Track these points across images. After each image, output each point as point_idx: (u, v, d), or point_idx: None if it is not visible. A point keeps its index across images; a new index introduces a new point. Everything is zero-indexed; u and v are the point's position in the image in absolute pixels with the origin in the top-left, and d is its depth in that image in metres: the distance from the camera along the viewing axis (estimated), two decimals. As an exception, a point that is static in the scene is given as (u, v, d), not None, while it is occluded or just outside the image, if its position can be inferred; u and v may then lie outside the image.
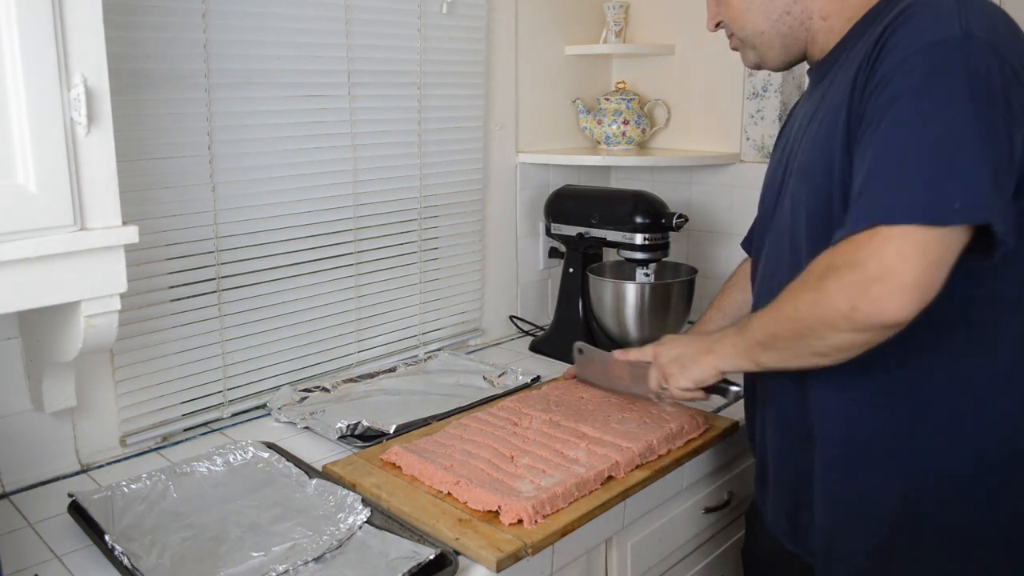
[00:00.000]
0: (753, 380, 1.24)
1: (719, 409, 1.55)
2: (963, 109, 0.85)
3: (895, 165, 0.87)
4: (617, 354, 1.35)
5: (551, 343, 1.95)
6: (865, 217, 0.88)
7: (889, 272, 0.85)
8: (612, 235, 1.83)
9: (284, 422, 1.52)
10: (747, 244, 1.40)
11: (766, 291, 1.14)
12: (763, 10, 1.11)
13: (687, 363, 1.19)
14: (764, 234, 1.20)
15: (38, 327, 1.20)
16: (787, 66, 1.18)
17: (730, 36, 1.19)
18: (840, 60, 1.06)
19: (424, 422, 1.47)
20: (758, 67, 1.20)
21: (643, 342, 1.80)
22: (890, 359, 0.97)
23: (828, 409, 1.07)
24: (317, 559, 1.05)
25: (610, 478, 1.26)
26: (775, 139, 1.29)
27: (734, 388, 1.21)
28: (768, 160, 1.31)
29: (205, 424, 1.52)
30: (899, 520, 1.03)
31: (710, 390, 1.21)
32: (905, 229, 0.84)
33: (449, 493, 1.19)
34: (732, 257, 2.00)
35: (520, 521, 1.12)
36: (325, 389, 1.63)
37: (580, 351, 1.42)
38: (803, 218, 1.06)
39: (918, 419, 1.00)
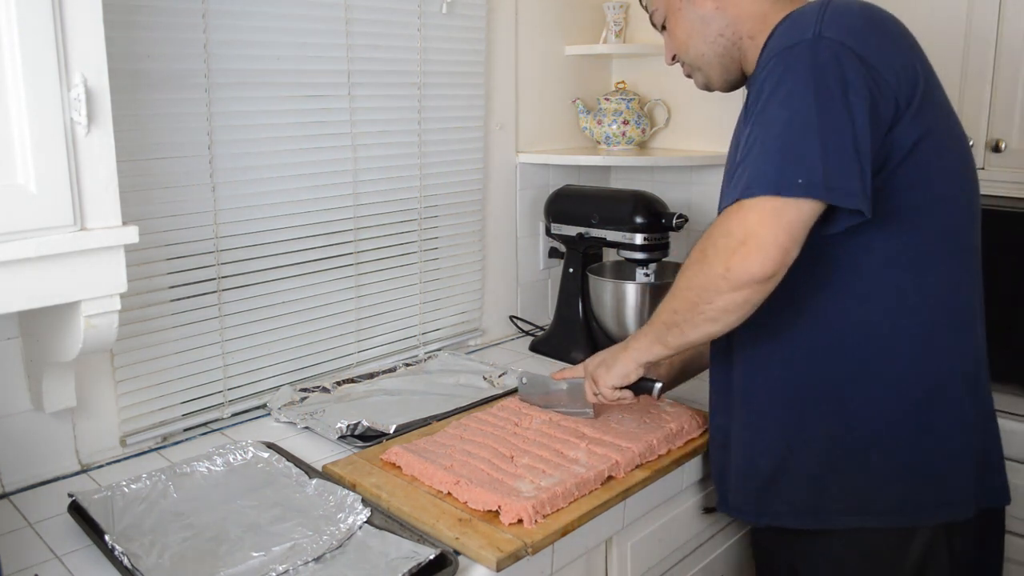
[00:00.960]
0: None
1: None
2: (807, 100, 1.00)
3: (756, 151, 1.03)
4: (554, 374, 1.46)
5: (551, 343, 1.95)
6: (733, 195, 1.03)
7: (752, 235, 1.00)
8: (612, 235, 1.83)
9: (284, 422, 1.52)
10: None
11: None
12: (701, 35, 1.24)
13: (610, 363, 1.29)
14: None
15: (38, 327, 1.20)
16: (730, 85, 1.29)
17: (683, 65, 1.32)
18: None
19: (424, 422, 1.47)
20: (708, 88, 1.32)
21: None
22: (788, 315, 1.13)
23: (750, 368, 1.21)
24: (317, 559, 1.05)
25: (610, 478, 1.26)
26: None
27: (657, 384, 1.32)
28: None
29: (205, 424, 1.52)
30: (828, 455, 1.15)
31: (637, 389, 1.31)
32: (761, 200, 1.00)
33: (449, 493, 1.19)
34: (732, 257, 2.00)
35: (520, 521, 1.12)
36: (325, 389, 1.62)
37: (523, 381, 1.50)
38: None
39: (827, 364, 1.14)
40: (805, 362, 1.15)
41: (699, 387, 1.64)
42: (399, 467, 1.28)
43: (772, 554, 1.30)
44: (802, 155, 0.99)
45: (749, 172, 1.02)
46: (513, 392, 1.62)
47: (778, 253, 1.00)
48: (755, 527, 1.31)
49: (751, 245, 1.00)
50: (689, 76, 1.33)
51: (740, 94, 2.02)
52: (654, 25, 1.33)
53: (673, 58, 1.32)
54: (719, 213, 1.14)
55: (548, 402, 1.46)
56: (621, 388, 1.30)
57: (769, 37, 1.13)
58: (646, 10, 1.35)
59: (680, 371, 1.50)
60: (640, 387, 1.31)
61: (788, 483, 1.19)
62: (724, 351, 1.27)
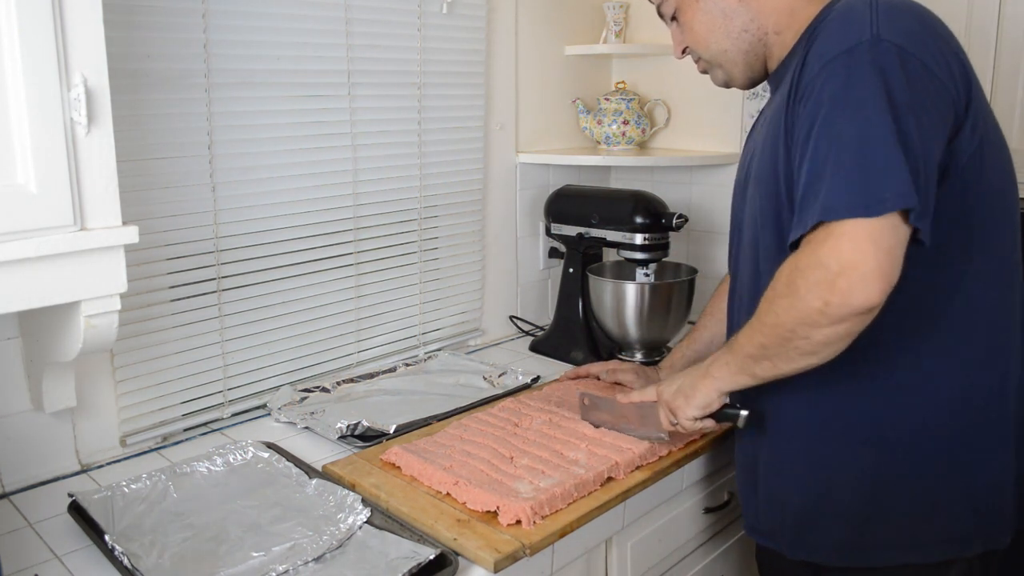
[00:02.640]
0: None
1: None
2: (879, 108, 0.93)
3: (832, 171, 0.95)
4: (620, 397, 1.36)
5: (551, 343, 1.95)
6: (811, 218, 0.95)
7: (850, 265, 0.92)
8: (612, 235, 1.83)
9: (284, 422, 1.52)
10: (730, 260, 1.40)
11: (736, 289, 1.26)
12: (724, 30, 1.18)
13: (689, 393, 1.20)
14: (737, 238, 1.26)
15: (38, 327, 1.20)
16: (753, 82, 1.24)
17: (697, 60, 1.26)
18: (788, 69, 1.12)
19: (424, 422, 1.47)
20: (727, 85, 1.26)
21: (643, 343, 1.82)
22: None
23: (783, 393, 1.14)
24: (317, 559, 1.05)
25: (610, 479, 1.26)
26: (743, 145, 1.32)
27: (743, 413, 1.20)
28: None
29: (205, 424, 1.52)
30: (871, 491, 1.09)
31: (719, 418, 1.21)
32: (852, 224, 0.92)
33: (448, 493, 1.19)
34: (732, 257, 2.00)
35: (518, 522, 1.12)
36: (325, 389, 1.62)
37: (585, 401, 1.42)
38: (759, 220, 1.13)
39: (874, 395, 1.08)
40: (843, 389, 1.09)
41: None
42: (398, 467, 1.28)
43: None
44: (884, 168, 0.92)
45: (826, 192, 0.94)
46: (513, 392, 1.62)
47: (881, 282, 0.92)
48: (771, 555, 1.26)
49: (853, 276, 0.91)
50: (705, 72, 1.27)
51: (741, 93, 2.04)
52: (661, 16, 1.26)
53: (684, 51, 1.26)
54: (734, 227, 1.10)
55: (616, 423, 1.37)
56: (702, 418, 1.22)
57: (810, 35, 1.06)
58: (651, 0, 1.27)
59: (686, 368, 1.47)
60: (723, 415, 1.21)
61: (828, 519, 1.13)
62: None
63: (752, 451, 1.24)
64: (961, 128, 1.00)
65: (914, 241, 0.95)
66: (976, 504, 1.08)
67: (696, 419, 1.21)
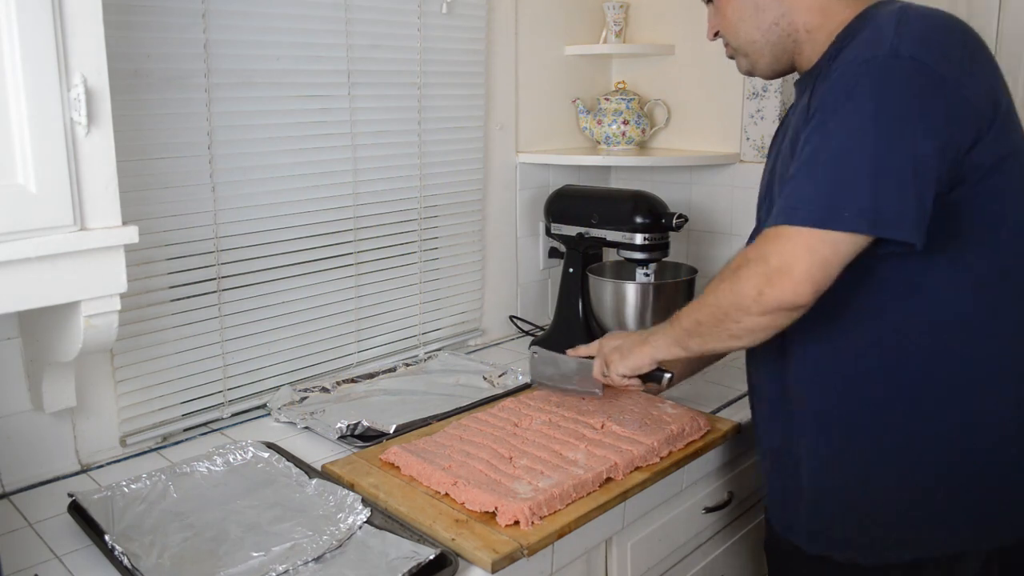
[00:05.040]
0: (749, 371, 1.32)
1: (717, 410, 1.56)
2: (866, 122, 0.97)
3: (806, 174, 1.01)
4: (569, 352, 1.47)
5: (551, 343, 1.94)
6: (776, 218, 1.02)
7: (787, 266, 1.00)
8: (612, 235, 1.83)
9: (284, 422, 1.52)
10: None
11: None
12: (754, 21, 1.19)
13: (626, 352, 1.31)
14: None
15: (38, 327, 1.20)
16: (776, 74, 1.25)
17: (726, 45, 1.28)
18: (813, 77, 1.14)
19: (424, 422, 1.47)
20: (750, 74, 1.28)
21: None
22: (851, 330, 1.10)
23: (807, 390, 1.17)
24: (317, 559, 1.05)
25: (609, 480, 1.26)
26: (769, 146, 1.33)
27: (667, 375, 1.34)
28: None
29: (205, 424, 1.52)
30: (897, 494, 1.10)
31: (645, 379, 1.34)
32: (801, 231, 0.99)
33: (447, 494, 1.19)
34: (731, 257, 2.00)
35: (516, 522, 1.12)
36: (325, 389, 1.63)
37: (535, 355, 1.53)
38: None
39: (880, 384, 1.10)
40: (873, 388, 1.10)
41: (702, 388, 1.65)
42: (398, 467, 1.28)
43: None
44: (851, 184, 0.97)
45: (796, 194, 1.00)
46: (513, 392, 1.62)
47: (810, 287, 0.99)
48: (781, 547, 1.27)
49: (785, 276, 1.00)
50: (731, 57, 1.29)
51: (741, 93, 2.04)
52: None
53: (716, 35, 1.28)
54: (759, 221, 1.12)
55: (557, 377, 1.48)
56: (631, 376, 1.32)
57: (845, 39, 1.08)
58: None
59: (687, 365, 1.48)
60: (649, 377, 1.33)
61: (853, 518, 1.14)
62: (779, 367, 1.21)
63: (778, 442, 1.24)
64: (979, 140, 1.00)
65: (909, 247, 0.98)
66: (996, 505, 1.09)
67: (625, 376, 1.32)
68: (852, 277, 1.03)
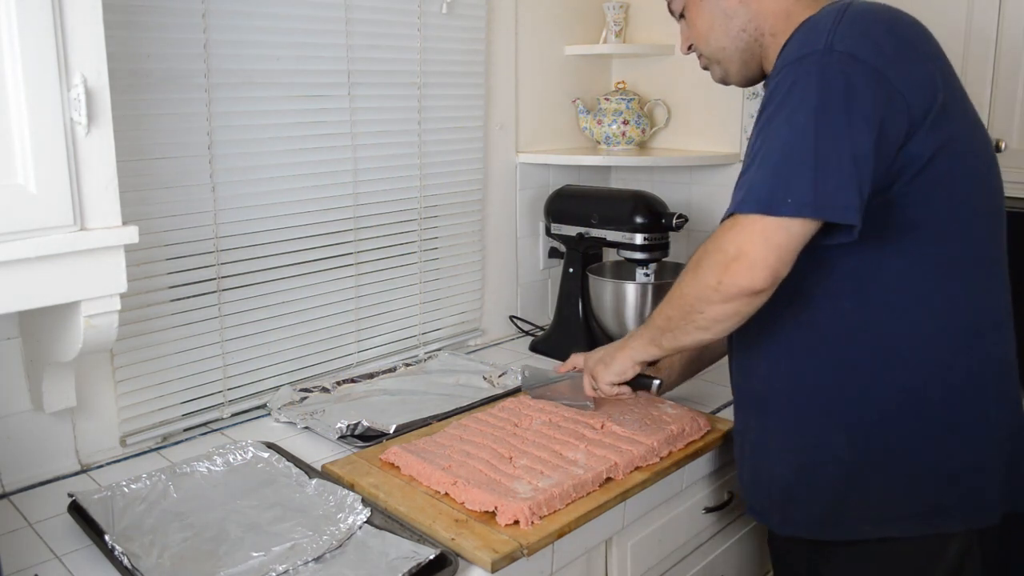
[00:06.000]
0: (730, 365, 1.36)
1: (717, 410, 1.56)
2: (807, 117, 1.01)
3: (755, 166, 1.06)
4: (557, 368, 1.49)
5: (551, 343, 1.95)
6: (730, 209, 1.07)
7: (742, 253, 1.04)
8: (612, 235, 1.83)
9: (284, 422, 1.52)
10: None
11: None
12: (724, 28, 1.23)
13: (608, 361, 1.33)
14: None
15: (38, 327, 1.20)
16: (749, 81, 1.29)
17: (700, 56, 1.31)
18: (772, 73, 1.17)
19: (424, 422, 1.47)
20: (724, 82, 1.31)
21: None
22: (804, 325, 1.15)
23: (767, 375, 1.22)
24: (317, 559, 1.05)
25: (609, 480, 1.26)
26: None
27: (655, 382, 1.36)
28: None
29: (205, 424, 1.52)
30: (849, 464, 1.15)
31: (635, 385, 1.35)
32: (753, 218, 1.03)
33: (446, 493, 1.20)
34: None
35: (516, 522, 1.12)
36: (325, 389, 1.63)
37: (525, 374, 1.55)
38: None
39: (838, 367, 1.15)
40: (821, 371, 1.15)
41: (702, 388, 1.64)
42: (398, 467, 1.28)
43: (792, 563, 1.30)
44: (794, 174, 1.01)
45: (746, 187, 1.05)
46: (513, 392, 1.62)
47: (766, 272, 1.03)
48: (776, 535, 1.31)
49: (742, 263, 1.04)
50: (706, 68, 1.32)
51: (741, 93, 2.04)
52: (672, 12, 1.32)
53: (689, 48, 1.31)
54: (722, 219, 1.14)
55: (550, 394, 1.49)
56: (619, 384, 1.33)
57: (792, 37, 1.12)
58: None
59: (683, 369, 1.51)
60: (639, 383, 1.35)
61: (808, 493, 1.19)
62: (742, 355, 1.27)
63: (743, 429, 1.30)
64: (914, 133, 1.04)
65: (848, 232, 1.03)
66: (958, 479, 1.12)
67: (613, 384, 1.33)
68: (808, 267, 1.08)
